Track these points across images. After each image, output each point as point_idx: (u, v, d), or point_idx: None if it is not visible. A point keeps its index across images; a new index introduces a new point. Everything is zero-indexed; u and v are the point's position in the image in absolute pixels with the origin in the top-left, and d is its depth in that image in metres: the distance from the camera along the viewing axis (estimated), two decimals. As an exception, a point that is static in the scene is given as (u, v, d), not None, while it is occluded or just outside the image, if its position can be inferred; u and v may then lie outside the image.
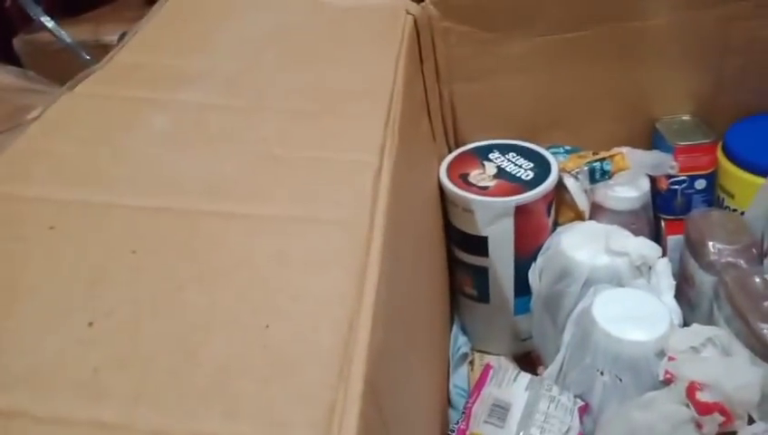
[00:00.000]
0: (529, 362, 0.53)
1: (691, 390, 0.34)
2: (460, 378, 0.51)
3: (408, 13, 0.44)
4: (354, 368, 0.19)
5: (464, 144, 0.51)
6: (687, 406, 0.34)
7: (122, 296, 0.21)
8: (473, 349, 0.54)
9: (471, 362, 0.53)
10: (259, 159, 0.27)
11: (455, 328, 0.54)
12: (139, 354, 0.19)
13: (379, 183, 0.26)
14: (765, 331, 0.37)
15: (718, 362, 0.35)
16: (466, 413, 0.41)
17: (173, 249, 0.22)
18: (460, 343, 0.54)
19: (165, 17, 0.42)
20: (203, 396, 0.18)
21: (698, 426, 0.33)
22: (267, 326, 0.20)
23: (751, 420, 0.35)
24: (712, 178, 0.49)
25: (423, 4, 0.46)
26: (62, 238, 0.23)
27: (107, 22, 0.68)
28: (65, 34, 0.74)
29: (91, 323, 0.20)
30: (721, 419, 0.33)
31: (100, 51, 0.54)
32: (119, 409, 0.17)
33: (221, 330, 0.20)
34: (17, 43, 0.77)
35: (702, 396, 0.33)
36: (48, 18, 0.73)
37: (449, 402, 0.49)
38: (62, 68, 0.45)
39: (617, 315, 0.40)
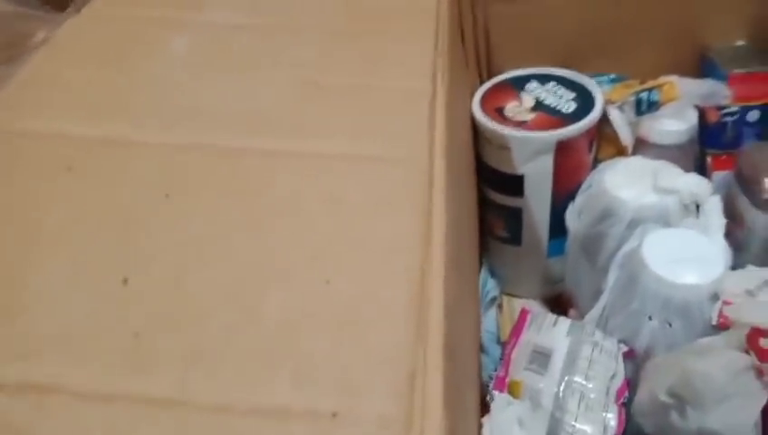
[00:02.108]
0: (559, 304, 0.51)
1: (753, 336, 0.32)
2: (489, 322, 0.49)
3: None
4: (432, 325, 0.16)
5: (498, 74, 0.47)
6: (747, 352, 0.32)
7: (159, 247, 0.18)
8: (501, 292, 0.53)
9: (500, 306, 0.52)
10: (298, 87, 0.24)
11: (483, 271, 0.52)
12: (186, 313, 0.16)
13: (434, 114, 0.23)
14: (830, 273, 0.34)
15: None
16: (505, 360, 0.39)
17: (212, 192, 0.20)
18: (489, 286, 0.52)
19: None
20: (266, 360, 0.15)
21: (760, 373, 0.32)
22: (328, 282, 0.17)
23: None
24: (766, 110, 0.45)
25: None
26: (83, 181, 0.20)
27: None
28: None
29: (125, 280, 0.17)
30: (784, 366, 0.31)
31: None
32: (169, 380, 0.15)
33: (277, 284, 0.17)
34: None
35: (765, 343, 0.32)
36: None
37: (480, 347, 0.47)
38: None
39: (667, 257, 0.37)
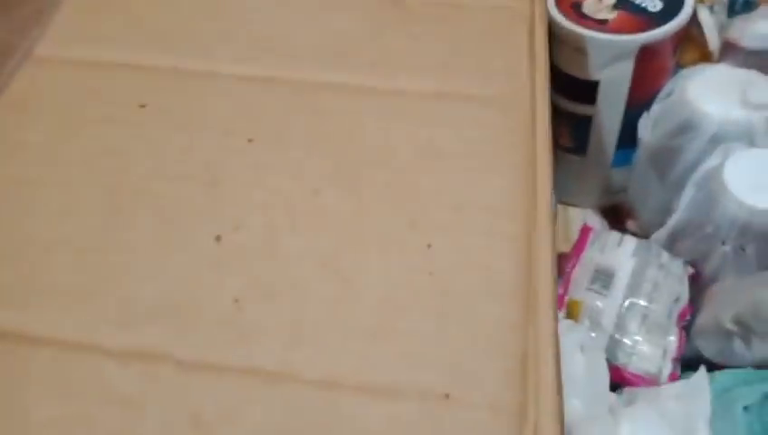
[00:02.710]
0: (616, 214, 0.50)
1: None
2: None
3: None
4: (541, 303, 0.15)
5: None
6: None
7: (247, 202, 0.17)
8: (557, 201, 0.51)
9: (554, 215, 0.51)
10: (380, 8, 0.21)
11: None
12: (284, 280, 0.16)
13: (534, 42, 0.21)
14: None
15: None
16: (565, 278, 0.39)
17: (296, 137, 0.18)
18: (546, 194, 0.50)
19: None
20: (371, 335, 0.15)
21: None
22: (429, 246, 0.16)
23: None
24: None
25: None
26: (160, 121, 0.19)
27: None
28: None
29: (218, 238, 0.16)
30: None
31: None
32: (273, 352, 0.15)
33: (374, 248, 0.16)
34: None
35: None
36: None
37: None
38: None
39: (750, 181, 0.35)
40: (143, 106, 0.19)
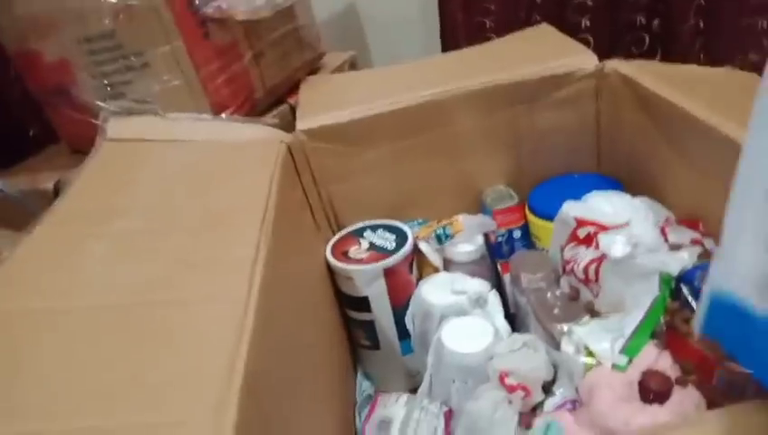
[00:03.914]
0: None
1: (501, 377, 0.48)
2: (364, 416, 0.63)
3: (282, 142, 0.60)
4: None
5: (344, 228, 0.67)
6: (503, 389, 0.48)
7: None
8: (376, 390, 0.67)
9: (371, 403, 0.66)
10: (173, 266, 0.41)
11: (359, 375, 0.67)
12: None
13: (255, 267, 0.41)
14: (554, 328, 0.52)
15: (518, 354, 0.50)
16: (362, 432, 0.54)
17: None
18: (365, 386, 0.67)
19: (96, 166, 0.57)
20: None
21: (510, 402, 0.48)
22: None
23: (550, 394, 0.50)
24: (525, 229, 0.66)
25: (294, 133, 0.63)
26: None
27: (41, 171, 0.71)
28: (5, 185, 0.86)
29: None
30: (522, 393, 0.48)
31: (38, 196, 0.67)
32: None
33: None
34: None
35: (508, 380, 0.48)
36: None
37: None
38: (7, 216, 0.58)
39: (458, 337, 0.54)
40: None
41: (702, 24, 0.72)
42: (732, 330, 0.32)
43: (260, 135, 0.61)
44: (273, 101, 0.71)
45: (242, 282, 0.39)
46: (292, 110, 0.71)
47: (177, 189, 0.52)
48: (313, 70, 0.79)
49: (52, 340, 0.35)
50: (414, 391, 0.66)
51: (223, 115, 0.62)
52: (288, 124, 0.66)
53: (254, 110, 0.65)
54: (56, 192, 0.64)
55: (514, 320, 0.61)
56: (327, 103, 0.68)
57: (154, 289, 0.39)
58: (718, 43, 0.67)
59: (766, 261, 0.29)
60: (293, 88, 0.74)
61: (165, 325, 0.36)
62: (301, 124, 0.64)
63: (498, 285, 0.62)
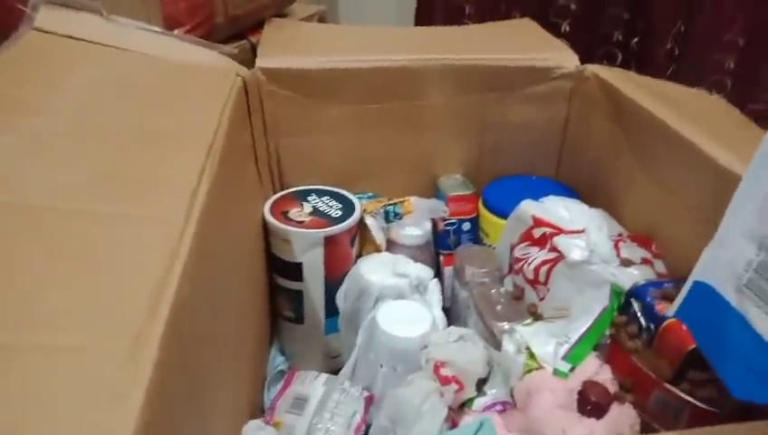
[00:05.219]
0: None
1: (436, 367, 0.45)
2: (275, 392, 0.58)
3: (237, 75, 0.54)
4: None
5: (287, 188, 0.61)
6: (435, 380, 0.45)
7: None
8: (290, 367, 0.62)
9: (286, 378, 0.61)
10: (99, 176, 0.34)
11: (273, 349, 0.62)
12: None
13: (195, 197, 0.35)
14: (495, 326, 0.50)
15: (455, 346, 0.47)
16: (271, 407, 0.48)
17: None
18: (278, 362, 0.61)
19: (14, 55, 0.48)
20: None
21: (441, 394, 0.45)
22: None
23: (481, 394, 0.47)
24: (475, 222, 0.64)
25: (252, 69, 0.57)
26: None
27: None
28: None
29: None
30: (455, 387, 0.45)
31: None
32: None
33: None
34: None
35: (443, 371, 0.45)
36: None
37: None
38: None
39: (394, 319, 0.51)
40: None
41: (677, 51, 0.73)
42: (704, 319, 0.33)
43: (214, 62, 0.55)
44: (232, 35, 0.64)
45: (179, 207, 0.33)
46: (253, 49, 0.65)
47: (109, 99, 0.44)
48: (280, 15, 0.73)
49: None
50: (331, 373, 0.62)
51: (175, 31, 0.55)
52: (246, 63, 0.59)
53: (210, 36, 0.58)
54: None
55: (448, 313, 0.58)
56: (293, 47, 0.63)
57: (72, 197, 0.32)
58: (687, 74, 0.68)
59: (749, 260, 0.29)
60: (257, 26, 0.68)
61: (84, 238, 0.29)
62: (261, 62, 0.57)
63: (436, 275, 0.59)
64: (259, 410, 0.54)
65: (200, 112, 0.45)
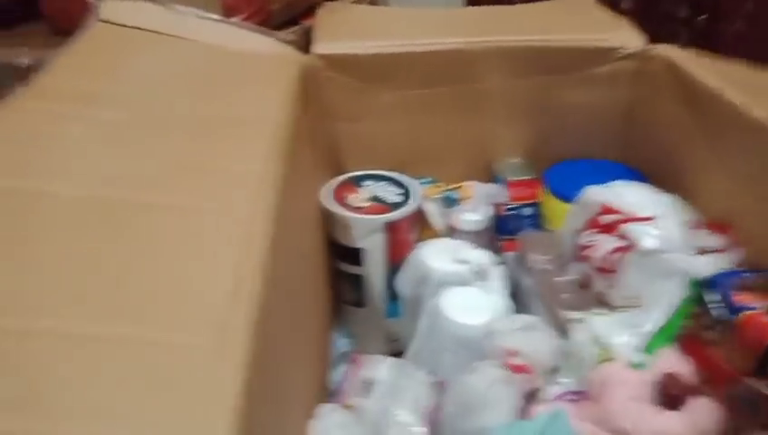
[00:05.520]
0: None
1: (506, 356, 0.45)
2: (339, 374, 0.59)
3: (296, 61, 0.53)
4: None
5: (343, 173, 0.61)
6: (501, 368, 0.44)
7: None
8: (353, 350, 0.62)
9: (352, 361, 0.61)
10: (168, 167, 0.35)
11: (336, 332, 0.63)
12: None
13: (263, 186, 0.35)
14: (562, 314, 0.49)
15: (524, 334, 0.46)
16: (340, 390, 0.49)
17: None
18: (340, 344, 0.62)
19: (83, 47, 0.49)
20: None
21: (509, 383, 0.44)
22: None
23: (552, 383, 0.46)
24: (536, 207, 0.62)
25: (309, 55, 0.56)
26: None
27: (13, 46, 0.66)
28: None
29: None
30: (527, 376, 0.44)
31: (11, 70, 0.59)
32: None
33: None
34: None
35: (513, 360, 0.44)
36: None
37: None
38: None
39: (458, 306, 0.50)
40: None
41: (745, 31, 0.69)
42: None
43: (272, 50, 0.55)
44: (286, 20, 0.64)
45: (249, 197, 0.33)
46: (306, 34, 0.64)
47: (173, 88, 0.45)
48: (333, -3, 0.72)
49: (28, 224, 0.28)
50: (393, 355, 0.62)
51: (233, 19, 0.55)
52: (300, 48, 0.59)
53: (266, 22, 0.58)
54: (31, 71, 0.56)
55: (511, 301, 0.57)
56: (348, 32, 0.62)
57: (144, 188, 0.33)
58: (756, 55, 0.64)
59: None
60: (309, 11, 0.67)
61: (157, 230, 0.30)
62: (318, 48, 0.57)
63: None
64: (326, 392, 0.55)
65: (262, 100, 0.45)
